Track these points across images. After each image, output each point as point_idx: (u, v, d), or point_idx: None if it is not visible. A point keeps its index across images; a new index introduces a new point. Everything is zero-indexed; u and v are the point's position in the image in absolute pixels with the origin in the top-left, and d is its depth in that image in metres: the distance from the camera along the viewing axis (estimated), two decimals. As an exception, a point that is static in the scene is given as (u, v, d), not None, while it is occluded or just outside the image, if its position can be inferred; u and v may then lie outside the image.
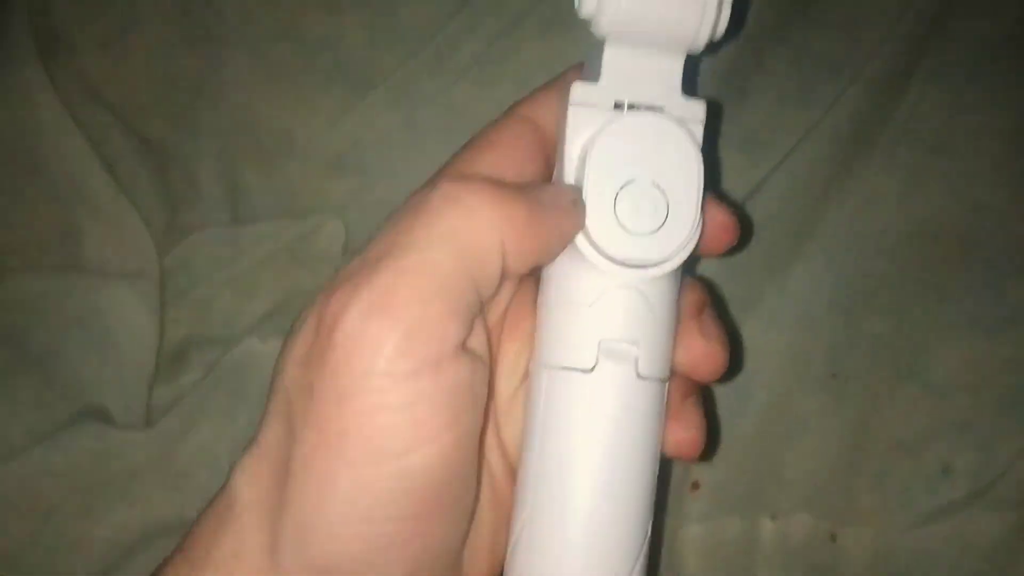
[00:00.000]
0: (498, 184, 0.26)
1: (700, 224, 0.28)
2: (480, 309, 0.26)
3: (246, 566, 0.25)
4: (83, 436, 0.38)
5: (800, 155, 0.42)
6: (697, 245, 0.29)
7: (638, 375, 0.28)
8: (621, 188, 0.27)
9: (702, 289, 0.32)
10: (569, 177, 0.28)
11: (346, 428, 0.24)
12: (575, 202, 0.27)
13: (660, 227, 0.27)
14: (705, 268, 0.42)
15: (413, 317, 0.24)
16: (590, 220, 0.27)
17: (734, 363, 0.40)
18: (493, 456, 0.31)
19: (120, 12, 0.43)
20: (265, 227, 0.43)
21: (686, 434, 0.30)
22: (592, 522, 0.28)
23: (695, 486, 0.39)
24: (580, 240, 0.28)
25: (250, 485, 0.26)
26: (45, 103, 0.42)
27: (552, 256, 0.28)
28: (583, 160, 0.28)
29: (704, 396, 0.40)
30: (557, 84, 0.30)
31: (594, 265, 0.28)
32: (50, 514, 0.37)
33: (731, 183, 0.43)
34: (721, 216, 0.30)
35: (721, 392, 0.40)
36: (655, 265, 0.28)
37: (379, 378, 0.24)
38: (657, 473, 0.29)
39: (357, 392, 0.24)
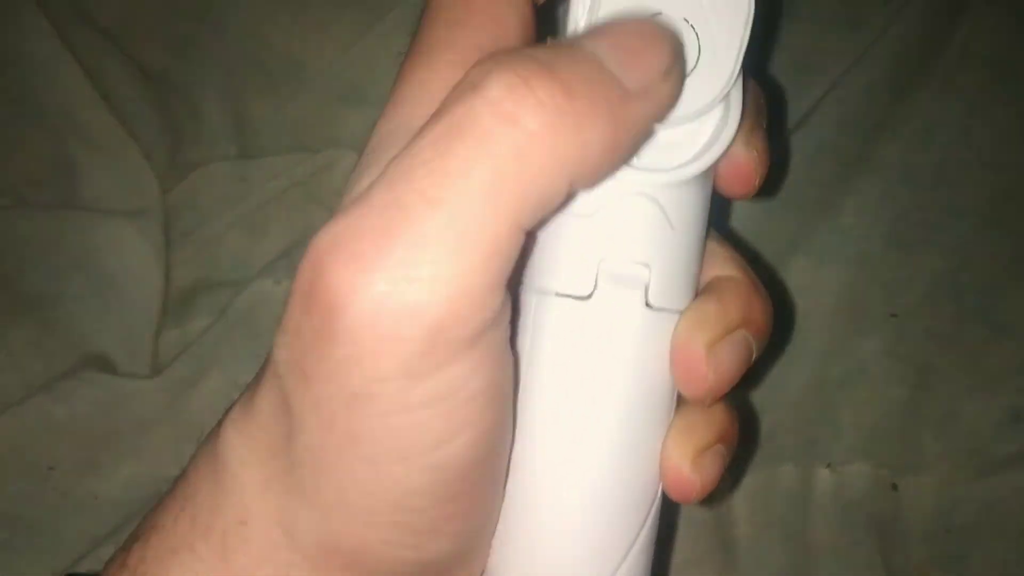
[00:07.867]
0: (573, 87, 0.18)
1: (742, 105, 0.22)
2: None
3: (257, 536, 0.21)
4: (85, 386, 0.35)
5: (852, 81, 0.40)
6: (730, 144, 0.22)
7: (647, 305, 0.22)
8: None
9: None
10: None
11: (358, 431, 0.19)
12: (668, 72, 0.20)
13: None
14: (750, 205, 0.39)
15: (446, 302, 0.18)
16: None
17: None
18: None
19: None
20: (275, 162, 0.41)
21: None
22: (585, 482, 0.23)
23: (744, 435, 0.37)
24: None
25: (246, 448, 0.22)
26: (34, 28, 0.40)
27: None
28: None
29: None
30: None
31: None
32: (51, 471, 0.35)
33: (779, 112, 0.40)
34: (749, 158, 0.23)
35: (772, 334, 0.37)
36: (677, 167, 0.22)
37: (398, 381, 0.19)
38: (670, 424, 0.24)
39: (370, 396, 0.19)
